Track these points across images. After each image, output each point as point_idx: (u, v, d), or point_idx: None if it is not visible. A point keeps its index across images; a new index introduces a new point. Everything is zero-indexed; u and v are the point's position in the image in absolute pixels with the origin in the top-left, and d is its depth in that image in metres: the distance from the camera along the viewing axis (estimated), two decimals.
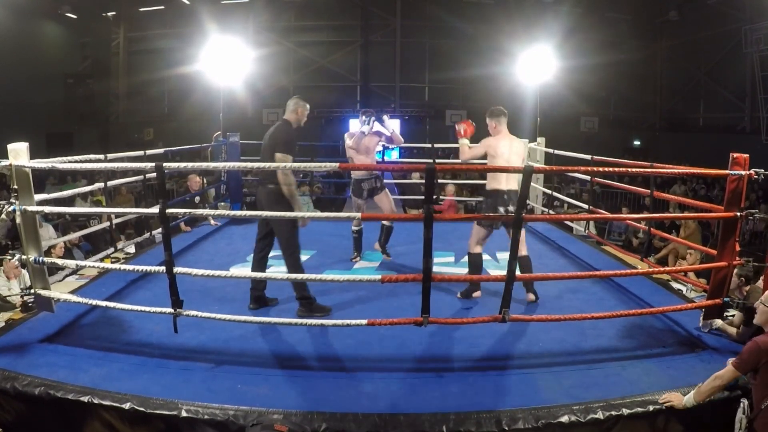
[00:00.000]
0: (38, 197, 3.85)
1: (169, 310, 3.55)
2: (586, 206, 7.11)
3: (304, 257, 5.95)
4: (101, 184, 5.84)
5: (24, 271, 5.39)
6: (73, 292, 4.48)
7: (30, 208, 3.62)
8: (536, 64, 9.31)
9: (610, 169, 4.42)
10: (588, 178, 6.98)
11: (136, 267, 3.93)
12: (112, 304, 3.91)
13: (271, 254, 4.57)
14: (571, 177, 10.56)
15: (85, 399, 3.05)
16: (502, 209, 4.52)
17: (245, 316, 3.83)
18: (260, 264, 4.55)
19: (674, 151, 16.85)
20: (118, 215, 6.35)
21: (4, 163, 3.55)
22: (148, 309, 3.66)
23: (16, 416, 3.22)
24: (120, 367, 3.44)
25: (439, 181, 8.93)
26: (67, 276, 5.47)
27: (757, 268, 4.82)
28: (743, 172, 3.69)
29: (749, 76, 16.39)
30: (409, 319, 3.48)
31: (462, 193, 11.62)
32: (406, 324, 3.50)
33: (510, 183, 4.61)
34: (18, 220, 3.62)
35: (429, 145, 9.12)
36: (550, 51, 9.39)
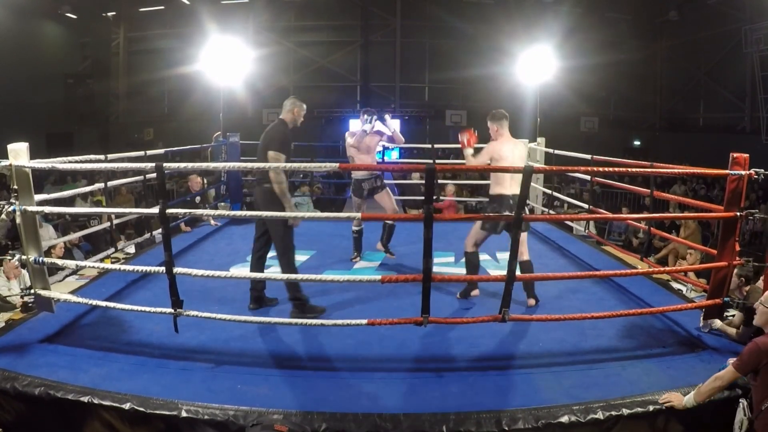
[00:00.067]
0: (38, 197, 3.85)
1: (169, 310, 3.55)
2: (586, 206, 7.11)
3: (303, 257, 5.99)
4: (101, 185, 5.84)
5: (24, 271, 5.39)
6: (73, 292, 4.49)
7: (30, 208, 3.62)
8: (536, 64, 9.31)
9: (610, 169, 4.42)
10: (588, 178, 6.98)
11: (136, 267, 3.93)
12: (112, 305, 3.91)
13: (271, 254, 4.57)
14: (571, 177, 10.55)
15: (85, 399, 3.05)
16: (507, 214, 4.49)
17: (245, 316, 3.84)
18: (259, 264, 4.55)
19: (674, 151, 16.84)
20: (118, 215, 6.35)
21: (4, 163, 3.55)
22: (148, 309, 3.66)
23: (16, 416, 3.22)
24: (120, 367, 3.44)
25: (439, 181, 8.92)
26: (67, 276, 5.47)
27: (757, 268, 4.82)
28: (743, 172, 3.69)
29: (749, 76, 16.38)
30: (409, 319, 3.49)
31: (462, 194, 11.62)
32: (406, 324, 3.50)
33: (513, 187, 4.55)
34: (18, 220, 3.62)
35: (429, 146, 9.11)
36: (550, 51, 9.39)
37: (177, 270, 3.50)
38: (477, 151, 4.75)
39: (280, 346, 3.85)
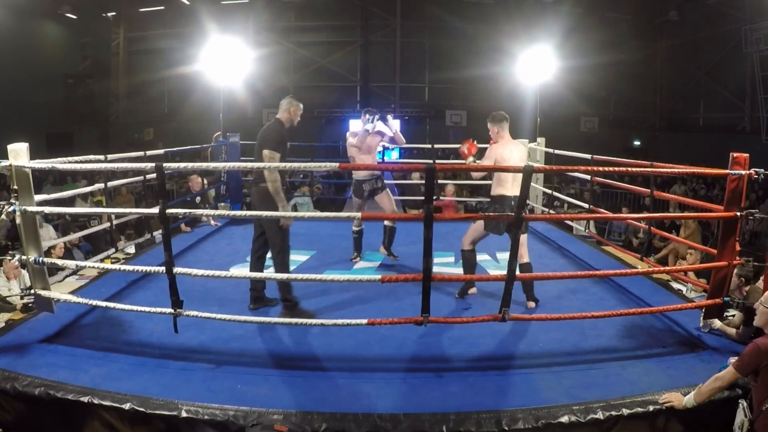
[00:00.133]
0: (38, 197, 3.85)
1: (169, 310, 3.55)
2: (586, 206, 7.10)
3: (303, 257, 5.99)
4: (101, 185, 5.84)
5: (24, 272, 5.38)
6: (73, 292, 4.49)
7: (30, 209, 3.63)
8: (536, 64, 9.31)
9: (611, 168, 4.42)
10: (588, 177, 6.98)
11: (136, 267, 3.93)
12: (112, 305, 3.91)
13: (270, 254, 4.56)
14: (572, 177, 10.55)
15: (85, 399, 3.05)
16: (506, 214, 4.49)
17: (245, 316, 3.84)
18: (258, 264, 4.55)
19: (674, 151, 16.82)
20: (118, 216, 6.35)
21: (4, 163, 3.55)
22: (148, 309, 3.66)
23: (16, 416, 3.22)
24: (120, 367, 3.44)
25: (439, 181, 8.92)
26: (67, 276, 5.47)
27: (757, 268, 4.82)
28: (743, 172, 3.69)
29: (749, 76, 16.38)
30: (409, 319, 3.49)
31: (462, 194, 11.62)
32: (406, 324, 3.50)
33: (515, 188, 4.55)
34: (18, 220, 3.62)
35: (429, 146, 9.11)
36: (550, 51, 9.39)
37: (177, 270, 3.50)
38: (477, 155, 4.75)
39: (280, 346, 3.85)
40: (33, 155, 3.69)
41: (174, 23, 19.71)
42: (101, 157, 5.00)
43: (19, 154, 3.57)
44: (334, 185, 13.19)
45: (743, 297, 4.61)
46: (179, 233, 7.04)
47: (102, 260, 5.64)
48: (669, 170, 4.30)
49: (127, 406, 3.01)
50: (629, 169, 4.32)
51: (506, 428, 2.92)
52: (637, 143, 20.06)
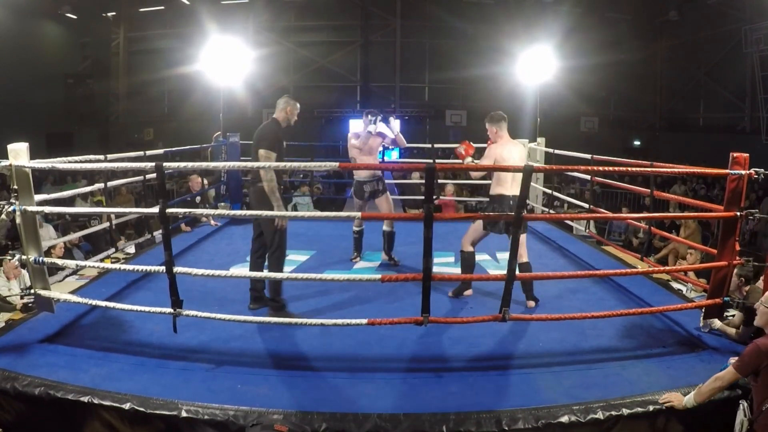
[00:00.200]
0: (38, 197, 3.85)
1: (169, 310, 3.55)
2: (586, 206, 7.10)
3: (303, 257, 6.00)
4: (101, 185, 5.84)
5: (24, 272, 5.39)
6: (73, 292, 4.48)
7: (30, 209, 3.62)
8: (536, 64, 9.30)
9: (611, 168, 4.42)
10: (588, 177, 6.98)
11: (136, 267, 3.93)
12: (112, 305, 3.91)
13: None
14: (572, 177, 10.54)
15: (85, 399, 3.05)
16: (506, 213, 4.49)
17: (245, 316, 3.84)
18: (257, 264, 4.54)
19: (674, 151, 16.83)
20: (118, 215, 6.35)
21: (4, 163, 3.55)
22: (148, 309, 3.66)
23: (16, 416, 3.22)
24: (120, 367, 3.44)
25: (439, 181, 8.92)
26: (67, 276, 5.47)
27: (757, 268, 4.82)
28: (743, 172, 3.69)
29: (749, 76, 16.38)
30: (409, 319, 3.48)
31: (462, 193, 11.62)
32: (406, 323, 3.50)
33: (514, 188, 4.56)
34: (18, 220, 3.62)
35: (429, 145, 9.11)
36: (550, 51, 9.38)
37: (177, 270, 3.50)
38: (475, 155, 4.75)
39: (280, 346, 3.85)
40: (33, 155, 3.69)
41: (174, 23, 19.71)
42: (101, 157, 5.00)
43: (19, 153, 3.57)
44: (334, 185, 13.19)
45: (743, 297, 4.61)
46: (179, 233, 7.04)
47: (102, 260, 5.64)
48: (669, 170, 4.30)
49: (127, 406, 3.01)
50: (629, 169, 4.31)
51: (506, 428, 2.92)
52: (637, 143, 20.06)
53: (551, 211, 8.93)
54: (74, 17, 17.69)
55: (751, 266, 4.59)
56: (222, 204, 8.36)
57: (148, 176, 6.45)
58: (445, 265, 5.79)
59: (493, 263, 5.91)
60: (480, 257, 5.53)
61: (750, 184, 4.03)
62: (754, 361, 2.87)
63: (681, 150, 16.96)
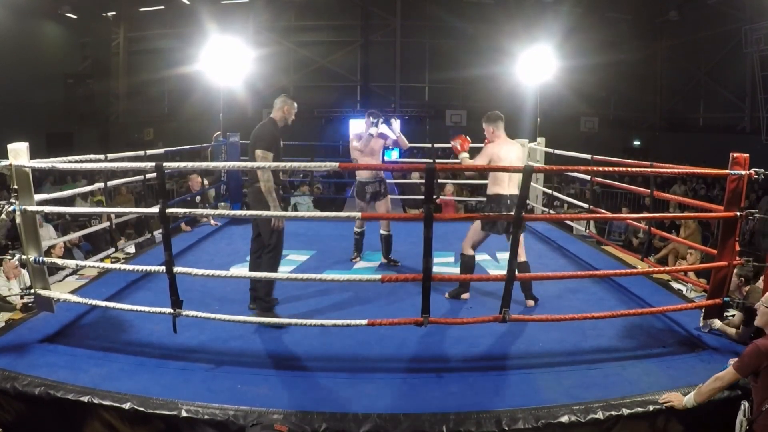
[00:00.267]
0: (38, 197, 3.85)
1: (169, 310, 3.54)
2: (586, 206, 7.10)
3: (303, 257, 6.00)
4: (101, 184, 5.84)
5: (24, 271, 5.39)
6: (73, 292, 4.48)
7: (30, 208, 3.62)
8: (536, 64, 9.30)
9: (610, 168, 4.42)
10: (588, 178, 6.98)
11: (136, 267, 3.93)
12: (112, 304, 3.91)
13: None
14: (572, 177, 10.54)
15: (85, 399, 3.05)
16: (507, 213, 4.49)
17: (245, 317, 3.84)
18: (257, 264, 4.52)
19: (674, 151, 16.83)
20: (118, 215, 6.35)
21: (4, 163, 3.55)
22: (148, 309, 3.66)
23: (16, 416, 3.22)
24: (120, 367, 3.44)
25: (439, 180, 8.92)
26: (67, 276, 5.47)
27: (757, 268, 4.82)
28: (743, 172, 3.69)
29: (749, 76, 16.38)
30: (409, 320, 3.48)
31: (462, 193, 11.62)
32: (406, 324, 3.50)
33: (512, 187, 4.57)
34: (18, 220, 3.62)
35: (429, 145, 9.11)
36: (550, 51, 9.39)
37: (177, 270, 3.50)
38: (472, 154, 4.74)
39: (280, 346, 3.85)
40: (33, 155, 3.69)
41: (174, 23, 19.71)
42: (101, 156, 5.00)
43: (19, 153, 3.57)
44: (334, 185, 13.20)
45: (743, 297, 4.61)
46: (179, 233, 7.04)
47: (102, 260, 5.64)
48: (669, 170, 4.30)
49: (127, 405, 3.01)
50: (629, 169, 4.31)
51: (506, 428, 2.92)
52: (637, 143, 20.07)
53: (551, 211, 8.93)
54: (74, 17, 17.68)
55: (751, 266, 4.60)
56: (222, 204, 8.36)
57: (148, 176, 6.45)
58: (445, 265, 5.79)
59: (493, 263, 5.91)
60: (480, 257, 5.53)
61: (750, 184, 4.03)
62: (754, 361, 2.87)
63: (681, 150, 16.96)
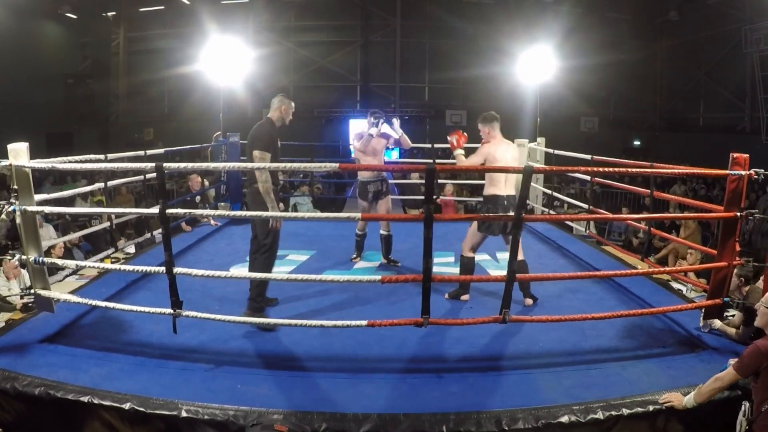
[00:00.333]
0: (38, 197, 3.85)
1: (169, 310, 3.54)
2: (586, 206, 7.11)
3: (303, 257, 6.00)
4: (101, 184, 5.84)
5: (24, 272, 5.39)
6: (73, 292, 4.49)
7: (30, 209, 3.62)
8: (536, 64, 9.31)
9: (610, 169, 4.42)
10: (588, 178, 6.98)
11: (136, 267, 3.93)
12: (112, 305, 3.90)
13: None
14: (571, 177, 10.55)
15: (85, 399, 3.05)
16: (507, 214, 4.48)
17: (245, 317, 3.83)
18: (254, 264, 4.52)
19: (674, 151, 16.84)
20: (118, 215, 6.35)
21: (4, 163, 3.55)
22: (148, 309, 3.66)
23: (16, 416, 3.22)
24: (120, 367, 3.44)
25: (439, 181, 8.92)
26: (67, 276, 5.48)
27: (757, 268, 4.82)
28: (743, 172, 3.69)
29: (749, 76, 16.38)
30: (409, 320, 3.48)
31: (462, 194, 11.62)
32: (406, 325, 3.50)
33: (508, 188, 4.57)
34: (18, 220, 3.62)
35: (429, 146, 9.11)
36: (550, 51, 9.39)
37: (177, 270, 3.50)
38: (468, 152, 4.74)
39: (280, 346, 3.85)
40: (33, 155, 3.69)
41: (174, 23, 19.71)
42: (101, 157, 5.00)
43: (19, 153, 3.57)
44: (334, 185, 13.20)
45: (743, 297, 4.61)
46: (179, 233, 7.04)
47: (102, 260, 5.64)
48: (669, 171, 4.30)
49: (127, 406, 3.01)
50: (629, 169, 4.31)
51: (506, 428, 2.92)
52: (637, 143, 20.06)
53: (551, 212, 8.93)
54: (74, 17, 17.68)
55: (751, 266, 4.60)
56: (222, 204, 8.36)
57: (148, 176, 6.45)
58: (445, 265, 5.79)
59: (493, 263, 5.91)
60: (480, 257, 5.53)
61: (750, 184, 4.03)
62: (754, 362, 2.87)
63: (681, 150, 16.96)
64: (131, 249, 6.55)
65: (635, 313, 4.05)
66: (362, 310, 4.43)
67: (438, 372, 3.52)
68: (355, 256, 6.02)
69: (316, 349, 3.77)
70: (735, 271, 4.16)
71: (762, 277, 4.32)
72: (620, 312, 4.07)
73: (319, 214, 7.89)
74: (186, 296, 3.60)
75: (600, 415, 2.99)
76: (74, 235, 7.09)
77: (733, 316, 4.15)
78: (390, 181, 7.23)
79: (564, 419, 2.96)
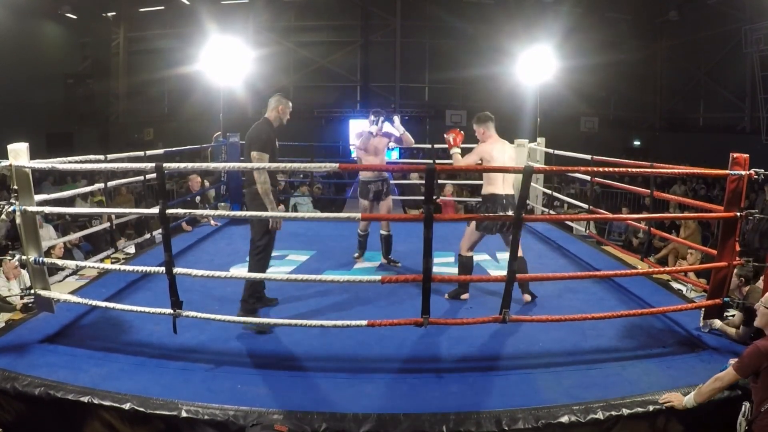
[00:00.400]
0: (38, 197, 3.85)
1: (169, 311, 3.54)
2: (586, 206, 7.11)
3: (303, 257, 6.00)
4: (101, 185, 5.84)
5: (24, 272, 5.39)
6: (73, 292, 4.49)
7: (30, 209, 3.63)
8: (536, 64, 9.31)
9: (610, 169, 4.42)
10: (588, 178, 6.98)
11: (136, 267, 3.92)
12: (112, 305, 3.90)
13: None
14: (571, 177, 10.55)
15: (85, 399, 3.06)
16: (507, 214, 4.49)
17: (245, 317, 3.83)
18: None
19: (674, 151, 16.83)
20: (118, 215, 6.35)
21: (4, 163, 3.55)
22: (148, 309, 3.66)
23: (16, 416, 3.22)
24: (120, 367, 3.44)
25: (438, 181, 8.92)
26: (67, 276, 5.47)
27: (757, 269, 4.82)
28: (743, 172, 3.69)
29: (749, 76, 16.38)
30: (409, 320, 3.48)
31: (462, 194, 11.62)
32: (406, 325, 3.50)
33: (507, 187, 4.57)
34: (18, 220, 3.62)
35: (429, 146, 9.11)
36: (550, 51, 9.39)
37: (177, 270, 3.50)
38: (465, 152, 4.74)
39: (280, 346, 3.85)
40: (33, 155, 3.69)
41: (174, 23, 19.71)
42: (101, 157, 5.00)
43: (19, 154, 3.57)
44: (334, 185, 13.19)
45: (743, 297, 4.61)
46: (179, 233, 7.04)
47: (102, 260, 5.64)
48: (669, 170, 4.30)
49: (127, 406, 3.01)
50: (629, 169, 4.31)
51: (506, 428, 2.92)
52: (637, 143, 20.06)
53: (551, 212, 8.93)
54: (74, 17, 17.68)
55: (751, 266, 4.60)
56: (222, 204, 8.36)
57: (148, 176, 6.45)
58: (445, 265, 5.78)
59: (493, 263, 5.91)
60: (480, 257, 5.53)
61: (750, 184, 4.03)
62: (754, 362, 2.87)
63: (681, 150, 16.95)
64: (131, 249, 6.55)
65: (635, 313, 4.05)
66: (362, 310, 4.43)
67: (438, 372, 3.52)
68: (357, 255, 6.02)
69: (316, 349, 3.77)
70: (735, 271, 4.16)
71: (762, 277, 4.32)
72: (620, 312, 4.07)
73: (319, 214, 7.89)
74: (186, 296, 3.60)
75: (600, 415, 2.99)
76: (74, 236, 7.09)
77: (733, 316, 4.15)
78: (390, 181, 7.23)
79: (564, 419, 2.96)
